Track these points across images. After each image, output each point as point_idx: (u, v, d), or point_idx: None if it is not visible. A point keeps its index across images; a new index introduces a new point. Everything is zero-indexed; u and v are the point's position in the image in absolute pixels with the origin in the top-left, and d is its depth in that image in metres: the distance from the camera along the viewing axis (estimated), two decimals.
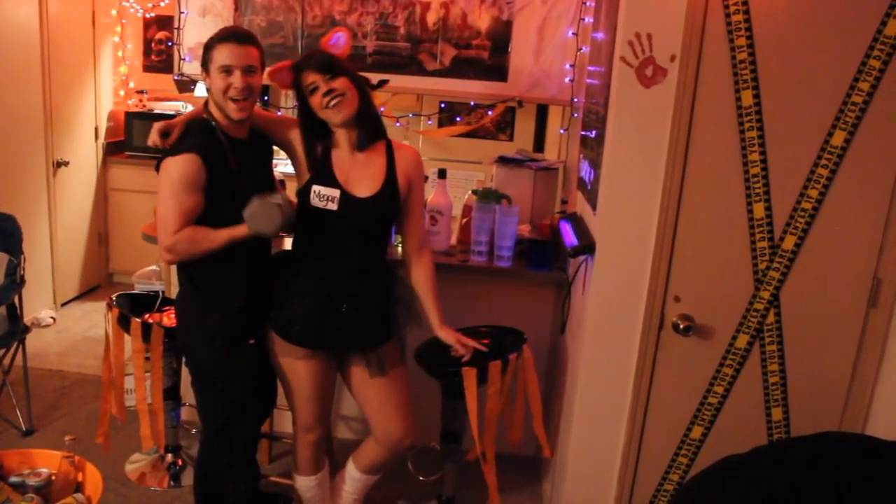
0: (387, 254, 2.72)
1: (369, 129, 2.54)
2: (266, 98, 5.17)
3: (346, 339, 2.63)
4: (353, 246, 2.58)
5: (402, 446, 2.77)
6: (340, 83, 2.44)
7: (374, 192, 2.54)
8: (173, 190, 2.38)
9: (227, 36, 2.42)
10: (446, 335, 2.73)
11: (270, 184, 2.69)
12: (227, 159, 2.44)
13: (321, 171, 2.53)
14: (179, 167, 2.37)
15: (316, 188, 2.51)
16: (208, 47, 2.44)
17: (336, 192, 2.50)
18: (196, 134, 2.46)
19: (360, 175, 2.55)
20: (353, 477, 2.87)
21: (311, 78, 2.45)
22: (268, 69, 2.53)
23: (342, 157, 2.55)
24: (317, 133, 2.55)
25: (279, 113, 4.87)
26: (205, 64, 2.46)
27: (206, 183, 2.39)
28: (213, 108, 2.49)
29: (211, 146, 2.43)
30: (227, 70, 2.40)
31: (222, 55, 2.40)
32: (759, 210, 2.49)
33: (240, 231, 2.39)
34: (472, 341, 2.75)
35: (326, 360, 2.67)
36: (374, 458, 2.82)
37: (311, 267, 2.58)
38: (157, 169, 2.43)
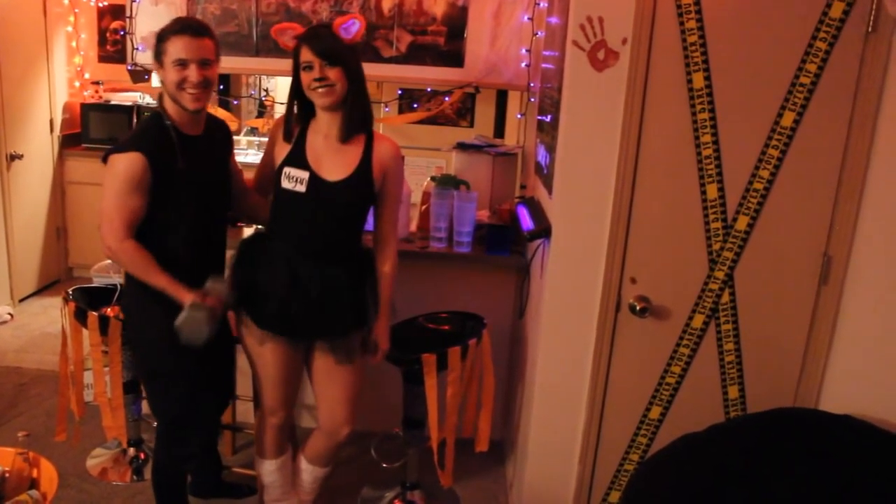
0: (361, 241, 2.71)
1: (354, 122, 2.53)
2: (222, 87, 5.10)
3: (315, 326, 2.62)
4: (322, 230, 2.57)
5: (340, 435, 2.77)
6: (334, 73, 2.43)
7: (344, 177, 2.53)
8: (118, 188, 2.36)
9: (182, 28, 2.39)
10: (378, 333, 2.71)
11: (226, 178, 2.66)
12: (175, 160, 2.41)
13: (294, 153, 2.54)
14: (124, 166, 2.34)
15: (287, 170, 2.53)
16: (162, 38, 2.40)
17: (305, 175, 2.51)
18: (146, 131, 2.44)
19: (333, 160, 2.54)
20: (301, 468, 2.89)
21: (309, 57, 2.43)
22: (276, 26, 2.54)
23: (317, 140, 2.55)
24: (302, 105, 2.55)
25: (235, 103, 4.84)
26: (158, 56, 2.42)
27: (151, 182, 2.37)
28: (166, 102, 2.46)
29: (160, 145, 2.40)
30: (183, 63, 2.37)
31: (177, 48, 2.37)
32: (712, 191, 2.51)
33: (177, 292, 2.42)
34: (381, 356, 2.75)
35: (294, 345, 2.67)
36: (316, 448, 2.84)
37: (281, 250, 2.57)
38: (105, 161, 2.40)
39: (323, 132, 2.55)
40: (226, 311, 2.46)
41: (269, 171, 2.65)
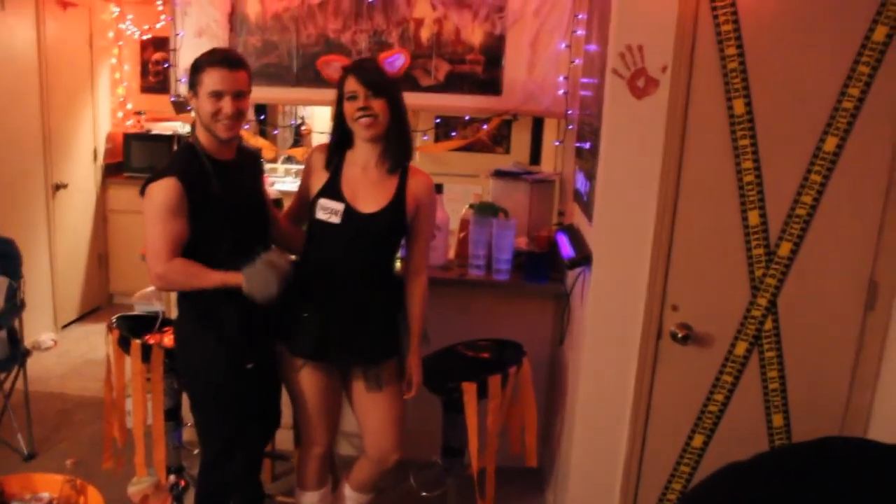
0: (393, 270, 2.72)
1: (396, 156, 2.55)
2: (263, 117, 5.18)
3: (347, 352, 2.64)
4: (356, 260, 2.59)
5: (388, 462, 2.76)
6: (378, 105, 2.46)
7: (378, 209, 2.56)
8: (158, 216, 2.39)
9: (218, 60, 2.42)
10: (410, 366, 2.71)
11: (261, 203, 2.70)
12: (210, 185, 2.45)
13: (330, 184, 2.57)
14: (161, 193, 2.38)
15: (322, 201, 2.55)
16: (197, 69, 2.44)
17: (340, 206, 2.54)
18: (179, 159, 2.49)
19: (369, 192, 2.57)
20: (345, 495, 2.88)
21: (354, 87, 2.46)
22: (322, 58, 2.60)
23: (354, 172, 2.57)
24: (341, 135, 2.58)
25: (275, 132, 4.91)
26: (193, 85, 2.46)
27: (189, 208, 2.40)
28: (199, 131, 2.50)
29: (194, 171, 2.43)
30: (218, 95, 2.41)
31: (213, 80, 2.40)
32: (754, 217, 2.49)
33: (233, 279, 2.42)
34: (416, 389, 2.73)
35: (330, 373, 2.68)
36: (363, 475, 2.83)
37: (315, 279, 2.60)
38: (142, 193, 2.43)
39: (360, 164, 2.58)
40: (287, 275, 2.45)
41: (304, 201, 2.68)
